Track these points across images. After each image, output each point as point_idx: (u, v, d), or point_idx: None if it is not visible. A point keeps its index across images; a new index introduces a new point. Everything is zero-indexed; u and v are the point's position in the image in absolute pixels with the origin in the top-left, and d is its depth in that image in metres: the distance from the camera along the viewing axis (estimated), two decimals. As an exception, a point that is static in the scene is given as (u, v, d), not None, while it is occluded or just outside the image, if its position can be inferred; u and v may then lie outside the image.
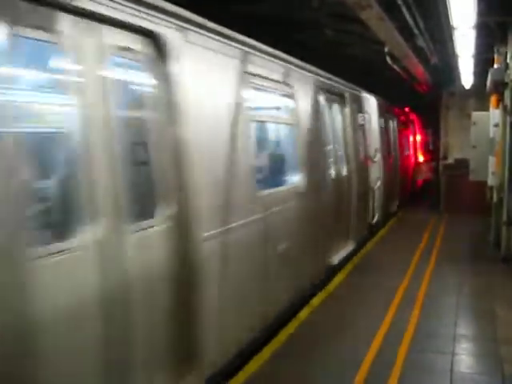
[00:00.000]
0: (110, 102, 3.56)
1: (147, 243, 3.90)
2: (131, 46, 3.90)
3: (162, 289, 4.06)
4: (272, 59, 6.38)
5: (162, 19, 4.11)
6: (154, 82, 4.12)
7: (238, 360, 5.19)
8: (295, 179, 7.12)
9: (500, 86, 9.77)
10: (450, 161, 15.94)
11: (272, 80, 6.41)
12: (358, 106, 10.67)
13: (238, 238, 5.15)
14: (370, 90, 12.27)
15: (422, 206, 16.77)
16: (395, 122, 15.87)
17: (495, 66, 10.14)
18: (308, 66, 7.72)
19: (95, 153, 3.42)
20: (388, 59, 10.95)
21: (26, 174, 2.95)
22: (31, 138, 3.21)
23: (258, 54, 5.94)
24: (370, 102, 11.87)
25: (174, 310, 4.16)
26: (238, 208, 5.19)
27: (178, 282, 4.19)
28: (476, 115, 12.25)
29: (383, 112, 13.27)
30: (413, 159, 20.52)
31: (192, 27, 4.56)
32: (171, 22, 4.23)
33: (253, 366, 5.34)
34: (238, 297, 5.16)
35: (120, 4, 3.65)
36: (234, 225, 5.05)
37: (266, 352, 5.66)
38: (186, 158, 4.27)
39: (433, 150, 22.97)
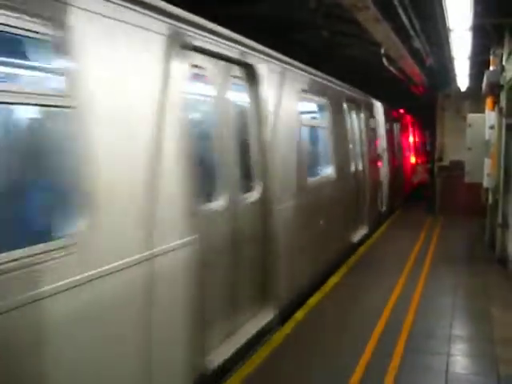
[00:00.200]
0: (234, 111, 5.58)
1: (249, 208, 5.72)
2: (238, 75, 5.72)
3: (256, 240, 5.83)
4: (316, 79, 8.41)
5: (257, 56, 5.95)
6: (250, 99, 5.95)
7: (299, 299, 7.13)
8: (328, 171, 9.00)
9: (496, 88, 9.81)
10: (446, 163, 15.98)
11: (315, 95, 8.42)
12: (370, 112, 12.56)
13: (296, 212, 6.96)
14: (367, 91, 12.31)
15: (418, 208, 16.78)
16: (397, 125, 17.36)
17: (491, 68, 10.17)
18: (337, 82, 9.77)
19: (229, 147, 5.36)
20: (384, 60, 10.98)
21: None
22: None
23: (308, 75, 7.93)
24: (378, 108, 13.61)
25: (261, 257, 5.96)
26: (296, 190, 7.00)
27: (263, 237, 5.97)
28: (472, 117, 12.28)
29: (387, 116, 14.80)
30: (410, 160, 20.73)
31: (272, 60, 6.42)
32: (261, 58, 6.07)
33: (249, 366, 5.35)
34: (298, 253, 7.00)
35: (236, 48, 5.45)
36: (293, 202, 6.84)
37: (264, 351, 5.67)
38: (268, 153, 6.06)
39: (428, 152, 23.11)
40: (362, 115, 11.67)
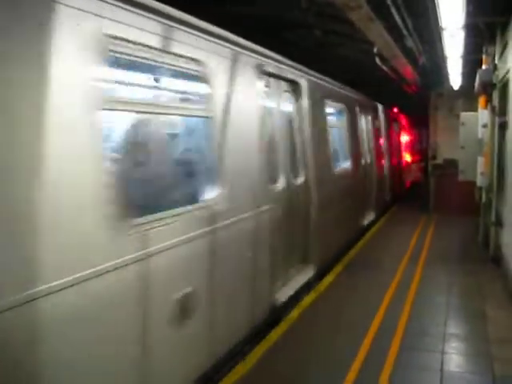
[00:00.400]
0: (287, 118, 7.51)
1: (297, 189, 7.53)
2: (286, 89, 7.45)
3: (301, 214, 7.66)
4: (337, 89, 10.36)
5: (299, 74, 7.79)
6: (295, 108, 7.77)
7: (328, 263, 8.93)
8: (346, 164, 10.82)
9: (488, 87, 9.83)
10: (439, 161, 16.00)
11: (336, 102, 10.26)
12: (375, 114, 14.53)
13: (326, 194, 8.65)
14: (360, 90, 12.34)
15: (412, 207, 16.81)
16: (395, 125, 18.82)
17: (483, 66, 10.19)
18: (353, 90, 11.84)
19: (285, 146, 7.27)
20: (377, 60, 10.98)
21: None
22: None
23: (331, 86, 9.93)
24: (380, 110, 15.44)
25: (304, 227, 7.79)
26: (326, 178, 8.79)
27: (305, 212, 7.81)
28: (464, 116, 12.30)
29: (387, 117, 16.62)
30: (406, 157, 20.98)
31: (308, 76, 8.15)
32: (302, 75, 7.88)
33: (247, 365, 5.33)
34: (327, 228, 8.67)
35: (287, 69, 7.30)
36: (324, 187, 8.50)
37: (258, 350, 5.66)
38: (308, 150, 7.88)
39: (421, 151, 23.24)
40: (369, 117, 13.71)
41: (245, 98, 5.84)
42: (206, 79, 4.96)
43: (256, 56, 6.22)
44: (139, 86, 4.53)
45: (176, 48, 4.43)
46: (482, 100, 10.71)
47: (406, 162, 21.24)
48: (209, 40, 5.03)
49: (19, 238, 2.89)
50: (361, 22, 7.51)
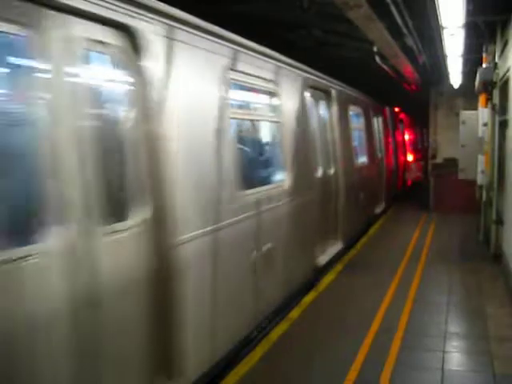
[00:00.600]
0: (323, 121, 9.20)
1: (330, 179, 9.12)
2: (322, 98, 9.17)
3: (332, 198, 9.20)
4: (356, 95, 11.96)
5: (330, 85, 9.49)
6: (328, 113, 9.52)
7: (352, 240, 10.79)
8: (364, 159, 12.55)
9: (489, 86, 9.82)
10: (439, 160, 15.99)
11: (356, 106, 11.88)
12: (383, 116, 16.11)
13: (350, 183, 10.24)
14: (360, 89, 12.33)
15: (412, 206, 16.81)
16: (400, 125, 20.16)
17: (484, 65, 10.18)
18: (366, 95, 13.32)
19: (321, 144, 8.84)
20: (377, 59, 10.98)
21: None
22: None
23: (353, 93, 11.63)
24: (388, 112, 16.95)
25: (334, 209, 9.35)
26: (350, 170, 10.40)
27: (334, 197, 9.33)
28: (465, 114, 12.31)
29: (393, 118, 18.07)
30: (406, 156, 21.17)
31: (336, 86, 9.85)
32: (332, 85, 9.61)
33: (246, 364, 5.34)
34: (351, 211, 10.33)
35: (322, 82, 9.04)
36: (349, 177, 10.09)
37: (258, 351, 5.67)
38: (336, 147, 9.56)
39: (422, 149, 23.26)
40: (380, 119, 15.48)
41: (298, 106, 7.56)
42: (276, 94, 6.76)
43: (303, 73, 7.94)
44: (244, 101, 6.57)
45: (263, 73, 6.34)
46: (482, 98, 10.72)
47: (408, 161, 21.34)
48: (278, 65, 6.84)
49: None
50: (360, 21, 7.51)
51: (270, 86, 6.57)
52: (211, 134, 4.88)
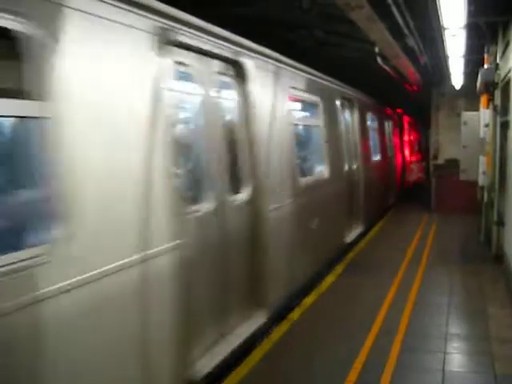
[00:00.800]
0: (350, 125, 11.38)
1: (353, 172, 10.79)
2: (348, 105, 11.06)
3: (354, 189, 10.82)
4: (372, 103, 14.04)
5: (353, 94, 11.55)
6: (352, 118, 11.40)
7: (370, 226, 12.86)
8: (378, 157, 14.30)
9: (490, 87, 9.81)
10: (441, 161, 15.98)
11: (374, 113, 14.03)
12: (393, 119, 18.05)
13: (367, 179, 11.87)
14: (361, 89, 12.35)
15: (413, 206, 16.80)
16: (405, 127, 21.45)
17: (485, 66, 10.18)
18: (379, 102, 15.04)
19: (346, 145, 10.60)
20: (379, 59, 10.98)
21: None
22: None
23: (370, 101, 13.76)
24: (396, 116, 18.77)
25: (356, 198, 11.04)
26: (367, 167, 12.11)
27: (356, 188, 10.98)
28: (466, 115, 12.30)
29: (400, 120, 19.83)
30: (409, 157, 21.37)
31: (358, 95, 12.03)
32: (355, 95, 11.57)
33: (246, 366, 5.34)
34: (367, 201, 11.87)
35: (348, 92, 11.04)
36: (366, 173, 11.83)
37: (257, 353, 5.67)
38: (358, 146, 11.34)
39: (423, 150, 23.28)
40: (391, 123, 17.50)
41: (331, 113, 9.48)
42: (319, 105, 8.68)
43: (336, 86, 9.99)
44: (300, 110, 8.44)
45: (312, 89, 8.29)
46: (483, 99, 10.71)
47: (410, 161, 21.48)
48: (321, 83, 8.98)
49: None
50: (362, 22, 7.50)
51: (315, 99, 8.55)
52: (283, 135, 6.80)
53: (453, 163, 14.39)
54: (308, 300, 7.38)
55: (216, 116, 5.18)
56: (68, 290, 2.99)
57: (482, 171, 10.74)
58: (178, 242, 4.11)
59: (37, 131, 2.98)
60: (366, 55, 11.23)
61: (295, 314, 6.82)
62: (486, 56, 10.35)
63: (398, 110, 19.06)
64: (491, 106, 10.23)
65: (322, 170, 8.86)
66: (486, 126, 10.60)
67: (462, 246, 11.08)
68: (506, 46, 8.53)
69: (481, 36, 9.51)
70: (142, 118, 3.84)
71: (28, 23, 2.86)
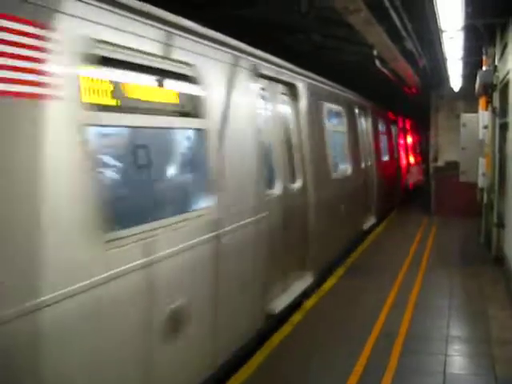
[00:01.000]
0: (364, 130, 13.30)
1: (367, 169, 12.70)
2: (362, 114, 12.87)
3: (368, 185, 12.74)
4: (380, 109, 15.27)
5: (368, 104, 13.56)
6: (366, 123, 13.33)
7: (389, 211, 15.68)
8: (387, 157, 15.76)
9: (489, 88, 9.83)
10: (440, 163, 15.99)
11: (379, 118, 15.03)
12: (397, 124, 19.21)
13: (379, 176, 13.63)
14: (360, 92, 12.37)
15: (413, 209, 16.80)
16: (406, 130, 22.32)
17: (484, 68, 10.19)
18: (386, 108, 16.74)
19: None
20: (377, 62, 10.99)
21: None
22: None
23: (384, 111, 16.08)
24: (398, 120, 19.69)
25: (371, 193, 13.00)
26: (379, 166, 13.83)
27: (370, 184, 12.91)
28: (465, 117, 12.32)
29: (404, 124, 21.09)
30: (409, 159, 21.60)
31: (370, 103, 13.78)
32: (369, 104, 13.62)
33: (249, 368, 5.33)
34: (381, 197, 13.71)
35: (363, 102, 13.12)
36: (378, 171, 13.74)
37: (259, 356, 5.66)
38: (371, 148, 13.29)
39: (423, 153, 23.33)
40: (396, 127, 18.85)
41: (352, 120, 11.18)
42: (342, 114, 10.36)
43: (354, 97, 11.73)
44: (331, 119, 9.67)
45: (337, 102, 9.98)
46: (482, 101, 10.72)
47: (412, 163, 21.68)
48: (343, 95, 10.64)
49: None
50: (360, 26, 7.52)
51: (340, 109, 10.24)
52: (323, 139, 8.72)
53: (453, 165, 14.39)
54: (309, 303, 7.38)
55: (280, 126, 7.01)
56: (230, 232, 5.09)
57: (481, 173, 10.75)
58: (267, 212, 6.02)
59: (202, 137, 4.77)
60: (365, 58, 11.25)
61: (296, 317, 6.81)
62: (484, 58, 10.36)
63: (401, 114, 19.24)
64: (490, 108, 10.24)
65: (346, 167, 10.55)
66: (485, 127, 10.61)
67: (462, 247, 11.07)
68: (504, 47, 8.54)
69: (479, 38, 9.52)
70: (250, 128, 5.77)
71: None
